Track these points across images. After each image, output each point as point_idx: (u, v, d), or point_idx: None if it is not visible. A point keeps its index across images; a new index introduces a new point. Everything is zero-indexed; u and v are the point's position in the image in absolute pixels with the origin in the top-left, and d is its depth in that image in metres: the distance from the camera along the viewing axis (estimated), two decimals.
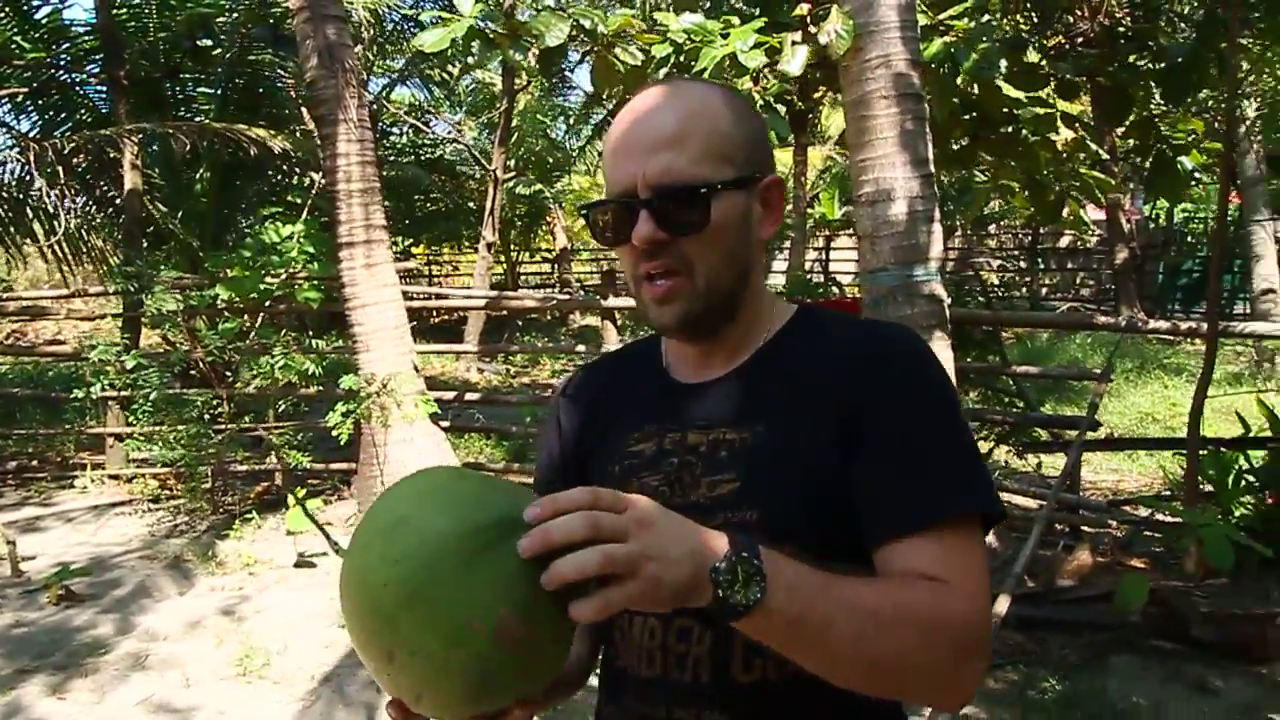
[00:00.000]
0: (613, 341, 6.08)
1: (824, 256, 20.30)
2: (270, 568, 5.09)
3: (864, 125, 4.13)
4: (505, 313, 13.79)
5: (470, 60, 5.10)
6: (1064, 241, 21.42)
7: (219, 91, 8.86)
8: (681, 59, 4.54)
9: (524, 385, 11.15)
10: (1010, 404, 5.32)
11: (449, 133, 16.81)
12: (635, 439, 1.09)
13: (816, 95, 7.47)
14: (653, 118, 1.00)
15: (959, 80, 4.41)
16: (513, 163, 15.71)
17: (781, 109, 4.62)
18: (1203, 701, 3.43)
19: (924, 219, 4.14)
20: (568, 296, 10.72)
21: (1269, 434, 4.79)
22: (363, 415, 5.16)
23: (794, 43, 4.19)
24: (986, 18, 4.63)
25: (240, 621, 4.37)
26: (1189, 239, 19.70)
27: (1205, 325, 4.49)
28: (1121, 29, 5.14)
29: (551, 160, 17.70)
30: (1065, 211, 5.49)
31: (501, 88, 13.29)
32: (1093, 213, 11.07)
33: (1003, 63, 3.97)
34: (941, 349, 4.23)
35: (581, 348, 7.37)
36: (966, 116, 5.15)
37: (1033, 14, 4.94)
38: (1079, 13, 5.36)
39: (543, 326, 16.43)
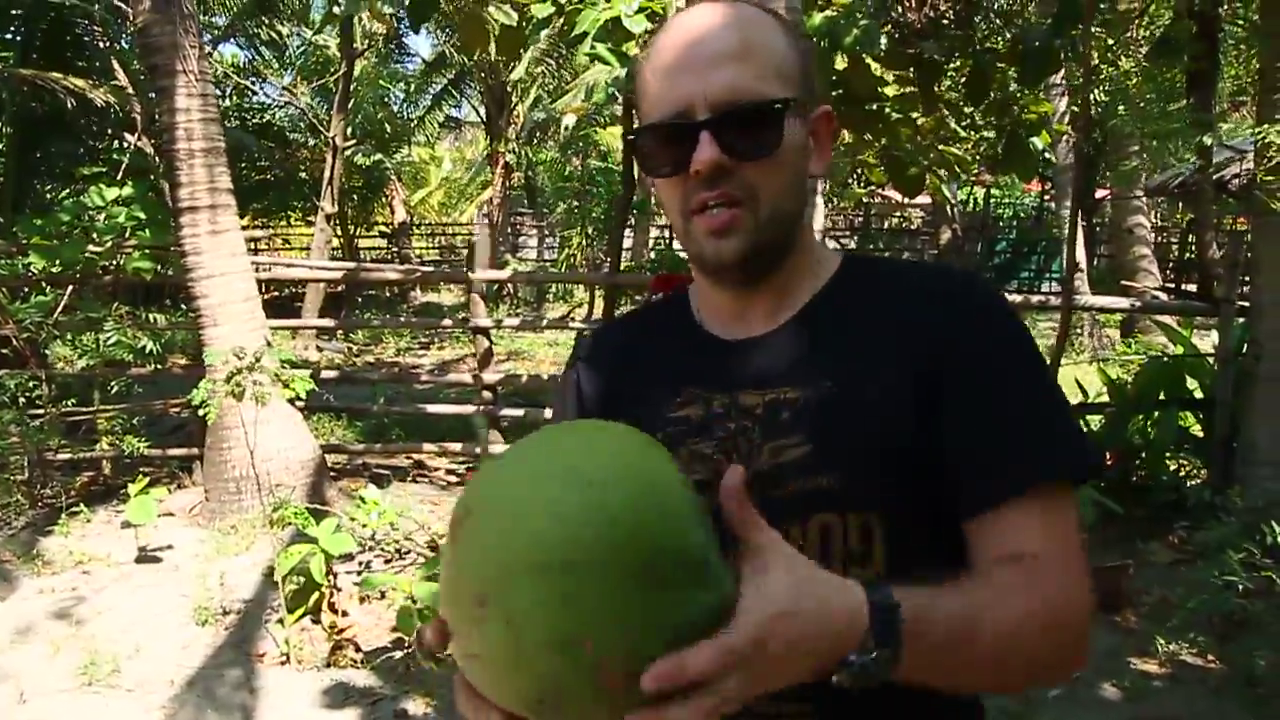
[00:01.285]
0: (481, 316, 5.87)
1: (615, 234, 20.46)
2: (107, 565, 4.61)
3: None
4: (341, 288, 13.18)
5: (336, 10, 4.75)
6: (889, 223, 22.49)
7: (18, 38, 7.94)
8: (561, 21, 4.38)
9: (368, 364, 10.69)
10: None
11: (280, 97, 15.82)
12: (677, 404, 0.98)
13: None
14: (711, 31, 0.90)
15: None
16: (350, 131, 14.96)
17: None
18: None
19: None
20: (432, 268, 10.30)
21: (1107, 400, 5.15)
22: (233, 393, 4.73)
23: (679, 8, 4.12)
24: None
25: (79, 626, 3.93)
26: (1000, 222, 21.14)
27: (1053, 299, 4.78)
28: (945, 21, 5.38)
29: (390, 129, 17.01)
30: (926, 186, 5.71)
31: (336, 51, 12.61)
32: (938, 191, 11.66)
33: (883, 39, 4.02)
34: None
35: (448, 321, 7.09)
36: (834, 93, 5.26)
37: None
38: (907, 2, 5.59)
39: (382, 303, 15.81)
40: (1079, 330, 10.91)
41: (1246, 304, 4.75)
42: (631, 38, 4.12)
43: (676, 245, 6.74)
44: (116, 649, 3.66)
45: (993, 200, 20.40)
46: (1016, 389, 0.90)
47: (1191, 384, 5.11)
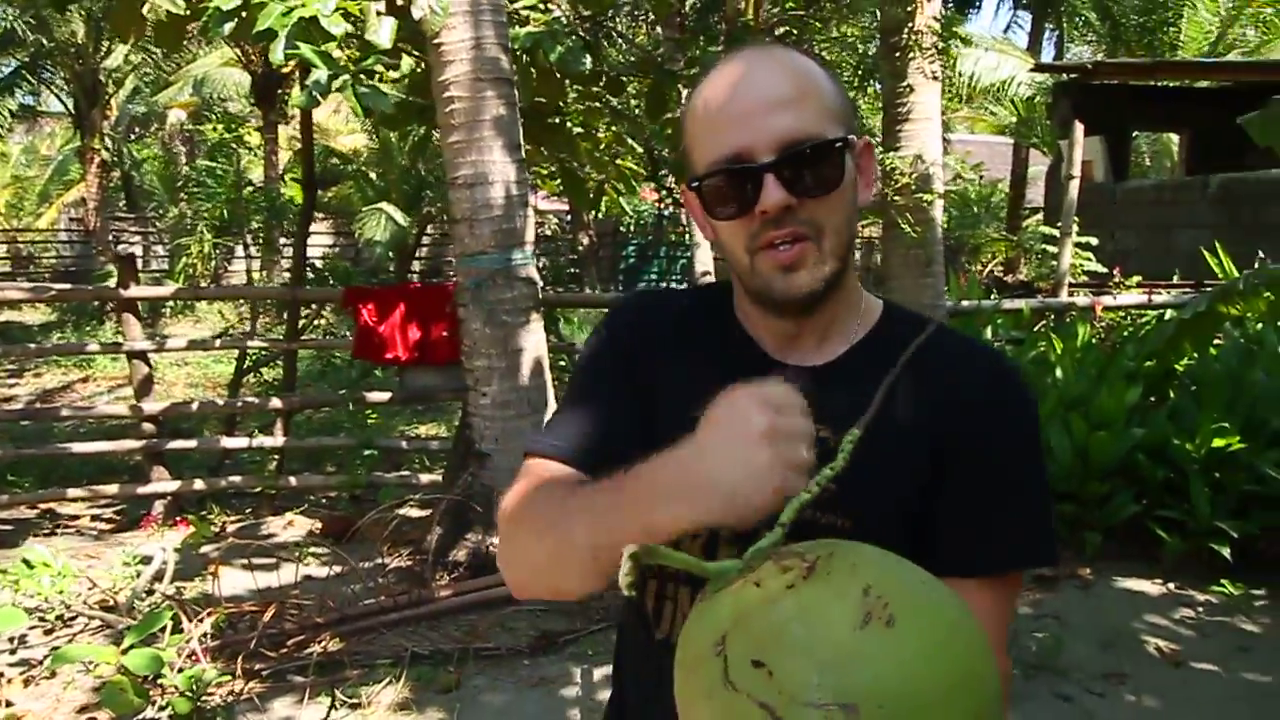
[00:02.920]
0: (138, 338, 5.16)
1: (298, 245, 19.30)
2: None
3: (458, 108, 4.08)
4: None
5: None
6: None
7: None
8: (244, 15, 4.00)
9: None
10: None
11: None
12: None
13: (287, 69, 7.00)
14: (763, 79, 0.94)
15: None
16: None
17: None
18: None
19: (520, 204, 4.23)
20: (69, 286, 8.75)
21: None
22: None
23: (379, 12, 3.96)
24: (557, 12, 4.83)
25: None
26: (628, 229, 22.61)
27: None
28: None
29: None
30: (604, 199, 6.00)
31: None
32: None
33: (587, 58, 4.19)
34: (536, 331, 4.38)
35: (95, 345, 6.15)
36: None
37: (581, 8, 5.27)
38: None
39: None
40: None
41: None
42: (331, 39, 3.89)
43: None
44: None
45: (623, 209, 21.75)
46: (1018, 481, 0.98)
47: None
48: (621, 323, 1.14)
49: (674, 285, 20.95)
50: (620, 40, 7.48)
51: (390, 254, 13.81)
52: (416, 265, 16.09)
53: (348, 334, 6.02)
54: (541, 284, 4.47)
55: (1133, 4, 14.17)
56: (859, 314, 1.04)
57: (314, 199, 5.43)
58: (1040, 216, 15.58)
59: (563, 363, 5.85)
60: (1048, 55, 17.39)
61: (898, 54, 5.00)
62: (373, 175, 14.99)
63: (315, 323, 7.46)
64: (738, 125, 0.93)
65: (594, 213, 22.04)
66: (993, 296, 6.94)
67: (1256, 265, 6.02)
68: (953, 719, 0.60)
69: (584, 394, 1.11)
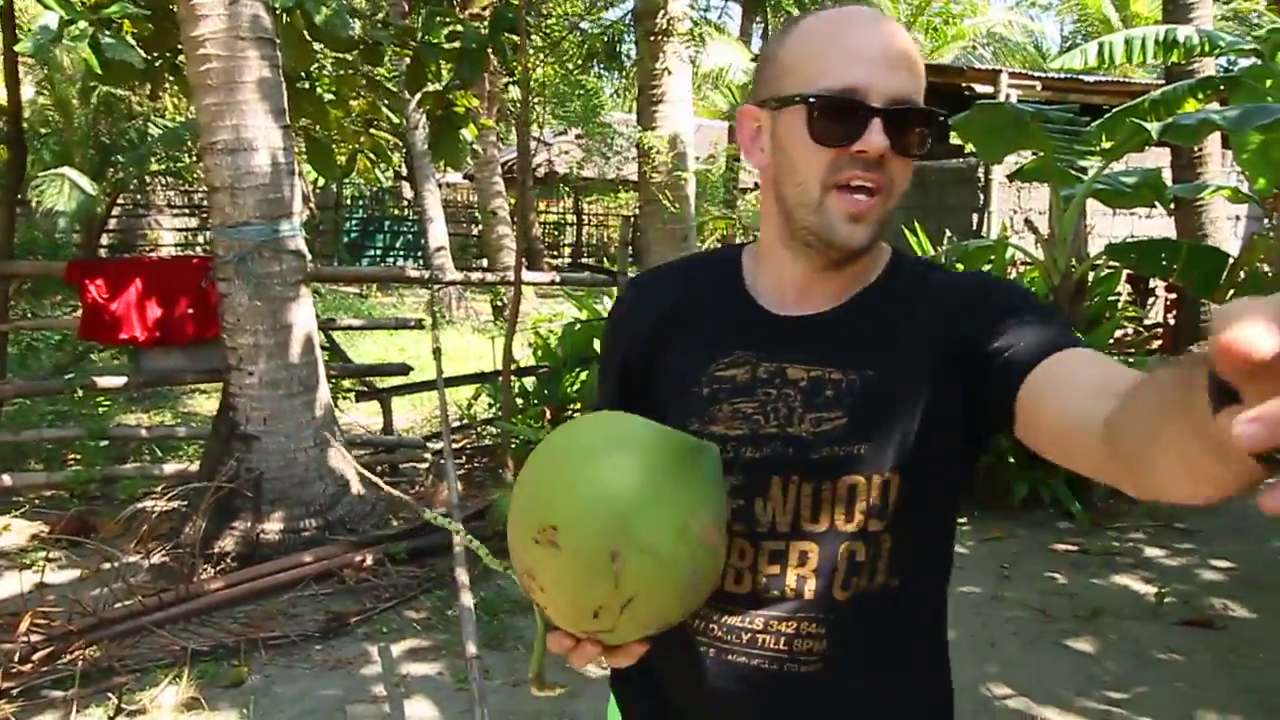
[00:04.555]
0: None
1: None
2: None
3: (215, 68, 3.82)
4: None
5: None
6: None
7: None
8: None
9: None
10: (332, 357, 5.47)
11: None
12: (724, 364, 1.06)
13: None
14: (886, 32, 0.98)
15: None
16: None
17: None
18: None
19: (286, 172, 4.05)
20: None
21: (542, 363, 5.90)
22: None
23: None
24: None
25: None
26: (350, 202, 21.65)
27: (487, 275, 5.30)
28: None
29: None
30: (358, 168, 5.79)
31: None
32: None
33: (355, 22, 4.04)
34: (306, 305, 4.21)
35: None
36: None
37: None
38: None
39: None
40: (444, 304, 11.96)
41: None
42: None
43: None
44: None
45: (345, 182, 20.77)
46: (1034, 317, 0.99)
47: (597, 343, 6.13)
48: (619, 313, 1.19)
49: (410, 260, 20.42)
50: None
51: (76, 225, 12.34)
52: (105, 239, 14.43)
53: (52, 314, 5.37)
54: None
55: (826, 4, 15.59)
56: (870, 266, 1.08)
57: (24, 160, 4.78)
58: (757, 195, 16.83)
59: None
60: (756, 45, 18.72)
61: (652, 37, 5.24)
62: (43, 133, 13.17)
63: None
64: (862, 63, 0.95)
65: (314, 186, 20.90)
66: None
67: (946, 243, 6.97)
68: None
69: (603, 377, 1.21)
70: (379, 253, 21.25)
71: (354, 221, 21.33)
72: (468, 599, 3.14)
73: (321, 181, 20.86)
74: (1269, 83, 6.54)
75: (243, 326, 4.02)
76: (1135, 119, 5.59)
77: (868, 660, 1.04)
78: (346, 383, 6.14)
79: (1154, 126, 5.07)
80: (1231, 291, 5.24)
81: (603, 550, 0.82)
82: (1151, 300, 9.16)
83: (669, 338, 1.11)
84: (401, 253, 21.36)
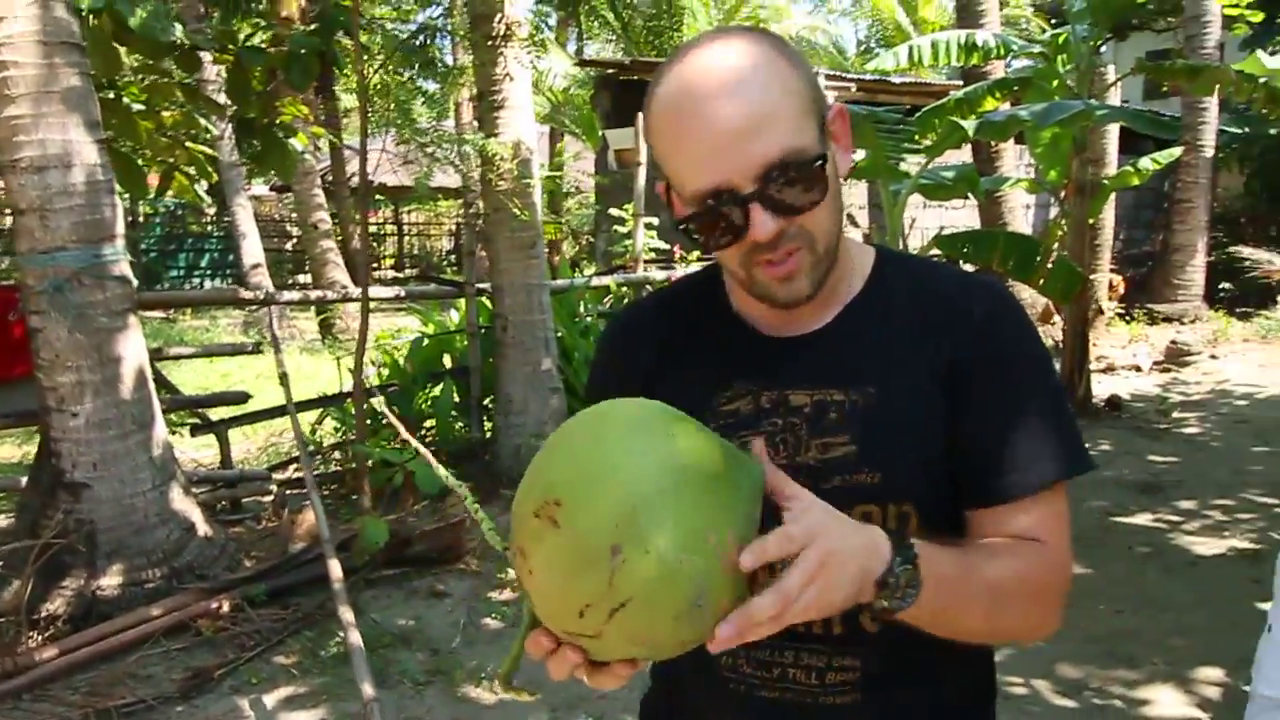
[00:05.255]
0: None
1: None
2: None
3: (17, 75, 3.45)
4: None
5: None
6: None
7: None
8: None
9: None
10: (159, 390, 5.03)
11: None
12: (727, 398, 1.03)
13: None
14: (727, 104, 0.88)
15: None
16: None
17: None
18: (440, 603, 4.07)
19: (105, 190, 3.72)
20: None
21: (390, 381, 5.67)
22: None
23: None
24: None
25: None
26: (145, 220, 20.08)
27: (318, 294, 5.03)
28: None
29: None
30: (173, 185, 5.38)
31: None
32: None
33: (176, 25, 3.72)
34: (135, 336, 3.88)
35: None
36: None
37: None
38: None
39: None
40: (265, 324, 11.29)
41: (484, 286, 5.72)
42: None
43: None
44: None
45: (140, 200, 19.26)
46: (1031, 394, 1.00)
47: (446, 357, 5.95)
48: (601, 362, 1.17)
49: (218, 279, 19.17)
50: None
51: None
52: None
53: None
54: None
55: (641, 10, 15.90)
56: (852, 275, 1.05)
57: None
58: (581, 198, 16.88)
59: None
60: (571, 49, 18.79)
61: (490, 41, 5.14)
62: None
63: None
64: (713, 159, 0.89)
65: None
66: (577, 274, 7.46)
67: None
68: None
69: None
70: (181, 274, 19.86)
71: (152, 240, 19.83)
72: (356, 637, 2.96)
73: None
74: (1054, 83, 7.16)
75: (62, 363, 3.63)
76: (947, 118, 6.00)
77: (900, 679, 1.03)
78: (173, 416, 5.67)
79: (969, 124, 5.44)
80: (1043, 280, 5.71)
81: (604, 538, 0.74)
82: None
83: (665, 371, 1.09)
84: (208, 272, 20.04)
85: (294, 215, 20.36)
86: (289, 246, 21.16)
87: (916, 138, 5.38)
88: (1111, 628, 3.73)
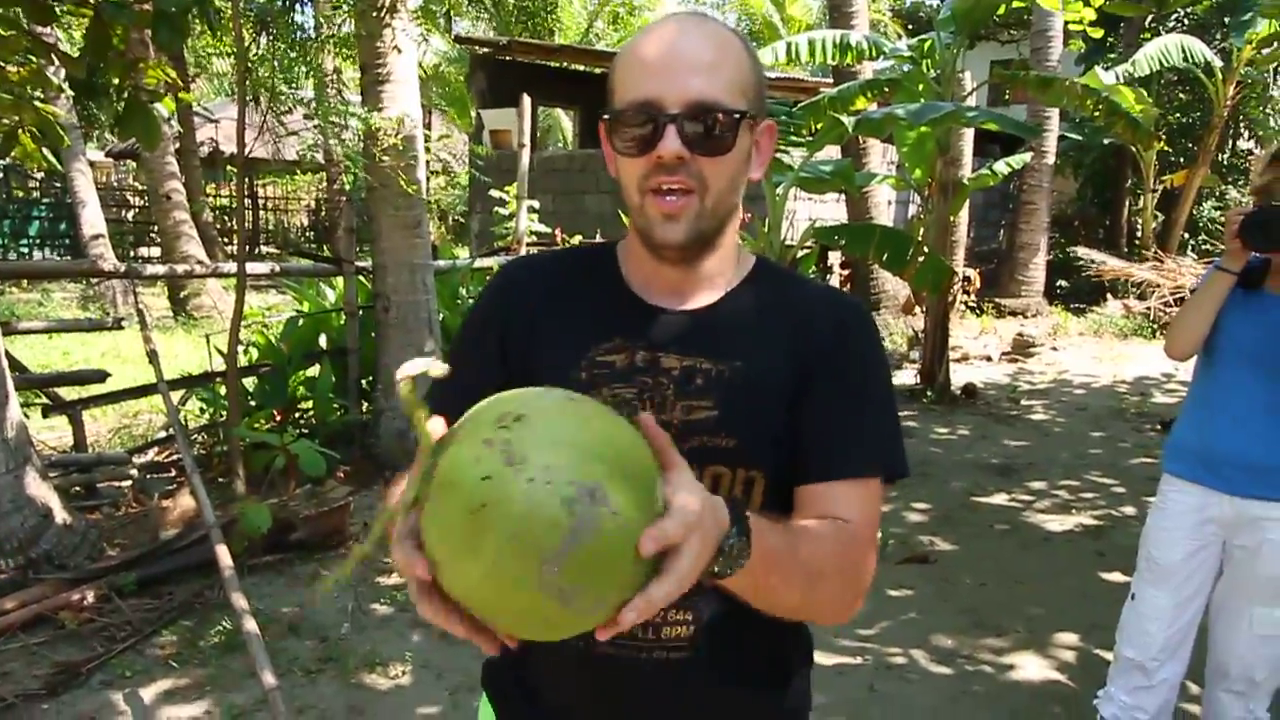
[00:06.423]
0: None
1: None
2: None
3: None
4: None
5: None
6: None
7: None
8: None
9: None
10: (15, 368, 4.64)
11: None
12: (604, 349, 1.10)
13: None
14: (689, 42, 1.03)
15: None
16: None
17: None
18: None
19: None
20: None
21: (264, 361, 5.42)
22: None
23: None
24: None
25: None
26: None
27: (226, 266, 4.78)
28: None
29: None
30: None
31: None
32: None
33: None
34: None
35: None
36: None
37: None
38: None
39: None
40: (109, 299, 10.60)
41: (365, 264, 5.55)
42: None
43: None
44: None
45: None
46: (868, 397, 1.12)
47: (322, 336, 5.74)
48: (493, 290, 1.21)
49: (50, 249, 17.74)
50: None
51: None
52: None
53: None
54: None
55: None
56: (735, 267, 1.16)
57: None
58: (448, 178, 16.53)
59: None
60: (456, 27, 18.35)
61: (375, 13, 4.98)
62: None
63: None
64: (656, 76, 1.01)
65: None
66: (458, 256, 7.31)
67: None
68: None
69: (459, 360, 1.11)
70: (4, 241, 18.25)
71: (16, 207, 18.17)
72: (252, 624, 2.83)
73: None
74: (921, 85, 7.52)
75: None
76: (825, 113, 6.21)
77: (731, 638, 1.10)
78: (21, 397, 5.25)
79: (849, 120, 5.65)
80: (914, 273, 6.01)
81: (497, 443, 0.72)
82: (829, 274, 10.24)
83: (548, 319, 1.15)
84: (37, 241, 18.49)
85: (135, 184, 19.12)
86: (129, 217, 19.84)
87: (802, 131, 5.55)
88: (978, 600, 3.99)
